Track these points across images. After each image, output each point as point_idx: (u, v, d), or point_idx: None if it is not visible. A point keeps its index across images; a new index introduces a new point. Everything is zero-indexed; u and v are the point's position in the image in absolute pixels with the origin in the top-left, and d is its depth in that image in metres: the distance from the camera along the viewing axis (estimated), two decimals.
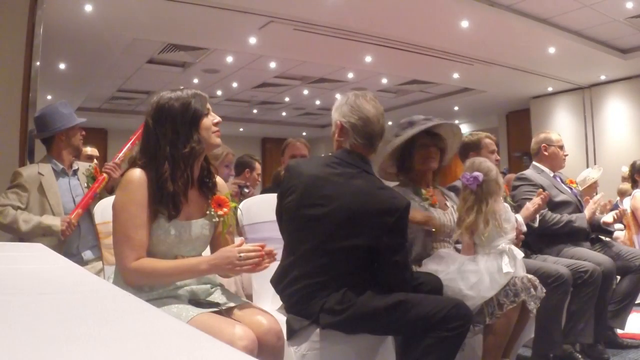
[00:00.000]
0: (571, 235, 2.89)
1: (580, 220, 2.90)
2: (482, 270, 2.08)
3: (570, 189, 3.13)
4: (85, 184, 2.72)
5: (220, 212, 1.70)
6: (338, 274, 1.76)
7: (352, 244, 1.75)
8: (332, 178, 1.80)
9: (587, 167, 6.85)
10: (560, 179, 3.15)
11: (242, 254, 1.52)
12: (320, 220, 1.77)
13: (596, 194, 5.14)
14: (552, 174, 3.11)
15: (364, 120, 1.82)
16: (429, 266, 2.16)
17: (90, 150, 4.16)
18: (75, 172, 2.75)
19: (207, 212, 1.70)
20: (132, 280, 1.53)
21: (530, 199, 2.80)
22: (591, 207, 2.99)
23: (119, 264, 1.56)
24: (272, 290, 1.97)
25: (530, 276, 2.15)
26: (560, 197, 2.99)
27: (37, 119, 2.74)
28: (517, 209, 2.87)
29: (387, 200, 1.76)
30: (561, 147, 3.14)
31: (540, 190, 2.74)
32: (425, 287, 1.94)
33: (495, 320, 2.04)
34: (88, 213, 2.56)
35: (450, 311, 1.72)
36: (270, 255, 1.59)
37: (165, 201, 1.58)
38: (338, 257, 1.76)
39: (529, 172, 3.10)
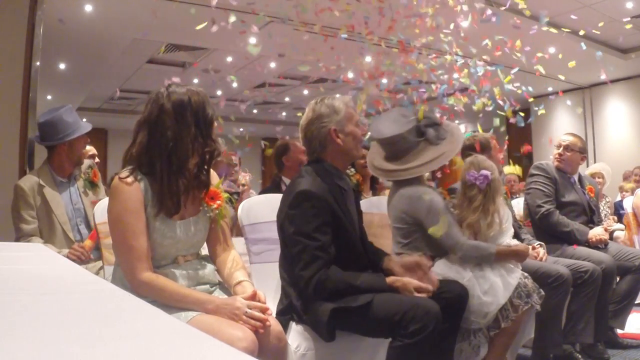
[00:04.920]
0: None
1: (582, 235, 2.90)
2: (491, 273, 2.07)
3: (584, 192, 3.10)
4: (83, 189, 2.60)
5: (214, 206, 1.68)
6: (288, 261, 1.81)
7: (279, 224, 1.82)
8: None
9: (587, 167, 6.85)
10: (580, 181, 3.13)
11: (249, 310, 1.47)
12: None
13: (604, 194, 5.14)
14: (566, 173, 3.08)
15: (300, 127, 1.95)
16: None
17: (89, 148, 4.12)
18: (74, 180, 2.60)
19: (201, 207, 1.68)
20: (140, 292, 1.49)
21: (539, 189, 2.89)
22: (599, 236, 2.93)
23: (127, 276, 1.53)
24: (272, 290, 1.97)
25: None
26: (569, 197, 2.99)
27: (41, 126, 2.54)
28: (528, 195, 3.00)
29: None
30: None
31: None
32: (448, 295, 1.88)
33: (510, 324, 2.03)
34: (86, 214, 2.55)
35: (406, 314, 1.58)
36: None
37: (169, 201, 1.56)
38: (282, 244, 1.84)
39: (546, 164, 3.11)
